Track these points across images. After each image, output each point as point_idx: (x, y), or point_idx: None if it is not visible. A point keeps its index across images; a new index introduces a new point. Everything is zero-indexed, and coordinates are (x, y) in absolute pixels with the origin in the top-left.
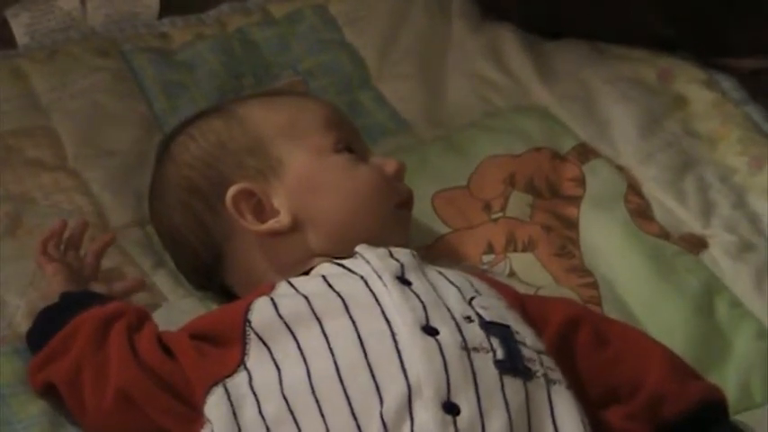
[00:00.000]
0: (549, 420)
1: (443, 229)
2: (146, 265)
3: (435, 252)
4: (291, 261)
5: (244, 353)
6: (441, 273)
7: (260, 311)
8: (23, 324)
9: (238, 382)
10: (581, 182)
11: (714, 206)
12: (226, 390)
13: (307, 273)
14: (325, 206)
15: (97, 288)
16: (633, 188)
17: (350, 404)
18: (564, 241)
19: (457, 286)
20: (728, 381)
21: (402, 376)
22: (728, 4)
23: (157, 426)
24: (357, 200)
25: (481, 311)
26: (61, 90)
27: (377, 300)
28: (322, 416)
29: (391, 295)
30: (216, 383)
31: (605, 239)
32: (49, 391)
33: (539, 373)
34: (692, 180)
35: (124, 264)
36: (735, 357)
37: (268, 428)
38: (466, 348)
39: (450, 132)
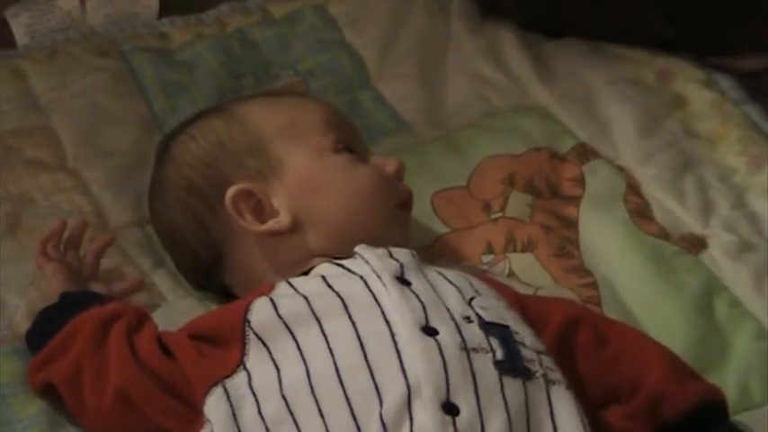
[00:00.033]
0: (549, 420)
1: (443, 229)
2: (145, 265)
3: (435, 252)
4: (291, 261)
5: (243, 353)
6: (440, 273)
7: (259, 312)
8: (23, 324)
9: (238, 382)
10: (580, 182)
11: (713, 206)
12: (225, 390)
13: (306, 273)
14: (325, 206)
15: (97, 288)
16: (633, 188)
17: (349, 404)
18: (563, 241)
19: (456, 286)
20: (728, 381)
21: (401, 377)
22: (728, 4)
23: (157, 426)
24: (357, 200)
25: (481, 312)
26: (61, 90)
27: (376, 300)
28: (321, 416)
29: (391, 295)
30: (215, 384)
31: (605, 239)
32: (48, 392)
33: (538, 374)
34: (692, 180)
35: (124, 264)
36: (734, 357)
37: (268, 429)
38: (465, 349)
39: (450, 132)
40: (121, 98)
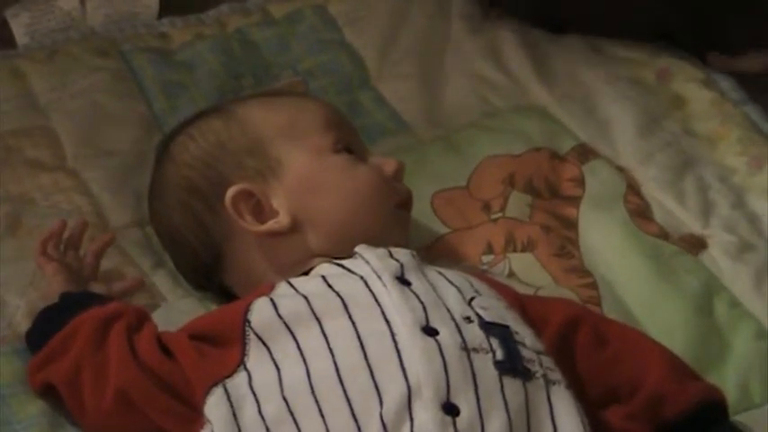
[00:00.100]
0: (549, 421)
1: (443, 230)
2: (145, 265)
3: (435, 252)
4: (291, 261)
5: (243, 353)
6: (440, 273)
7: (259, 312)
8: (23, 324)
9: (238, 382)
10: (580, 182)
11: (713, 206)
12: (225, 390)
13: (306, 273)
14: (325, 206)
15: (97, 288)
16: (632, 188)
17: (350, 405)
18: (563, 241)
19: (456, 286)
20: (728, 381)
21: (402, 377)
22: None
23: (157, 426)
24: (357, 200)
25: (481, 312)
26: (61, 90)
27: (376, 300)
28: (322, 416)
29: (391, 295)
30: (216, 384)
31: (605, 240)
32: (48, 392)
33: (538, 374)
34: (692, 180)
35: (123, 264)
36: (734, 358)
37: (268, 429)
38: (465, 349)
39: (450, 132)
40: (121, 98)
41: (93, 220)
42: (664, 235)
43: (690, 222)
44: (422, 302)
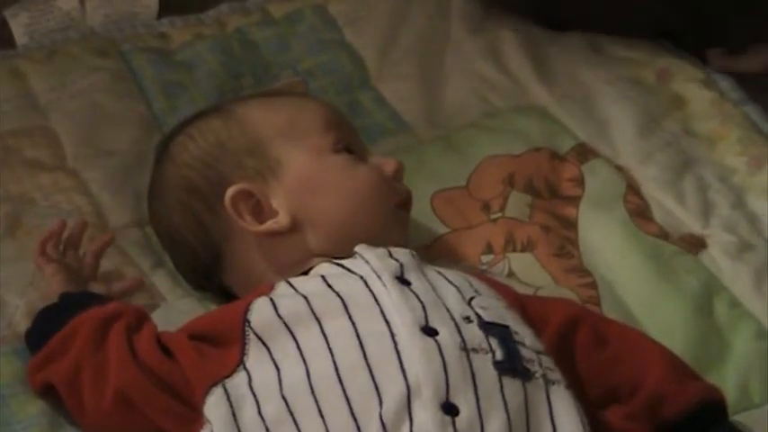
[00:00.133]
0: (548, 421)
1: (442, 230)
2: (144, 265)
3: (434, 252)
4: (290, 261)
5: (243, 353)
6: (440, 273)
7: (259, 312)
8: (22, 324)
9: (238, 382)
10: (580, 182)
11: (713, 206)
12: (225, 390)
13: (306, 273)
14: (325, 206)
15: (96, 288)
16: (632, 188)
17: (349, 405)
18: (563, 241)
19: (456, 286)
20: (727, 381)
21: (401, 377)
22: None
23: (157, 426)
24: (356, 200)
25: (480, 312)
26: (60, 90)
27: (376, 300)
28: (321, 416)
29: (390, 295)
30: (215, 384)
31: (604, 240)
32: (48, 392)
33: (537, 374)
34: (692, 180)
35: (123, 264)
36: (734, 357)
37: (267, 429)
38: (465, 349)
39: (450, 132)
40: (121, 98)
41: (93, 220)
42: (663, 235)
43: (690, 222)
44: (421, 302)
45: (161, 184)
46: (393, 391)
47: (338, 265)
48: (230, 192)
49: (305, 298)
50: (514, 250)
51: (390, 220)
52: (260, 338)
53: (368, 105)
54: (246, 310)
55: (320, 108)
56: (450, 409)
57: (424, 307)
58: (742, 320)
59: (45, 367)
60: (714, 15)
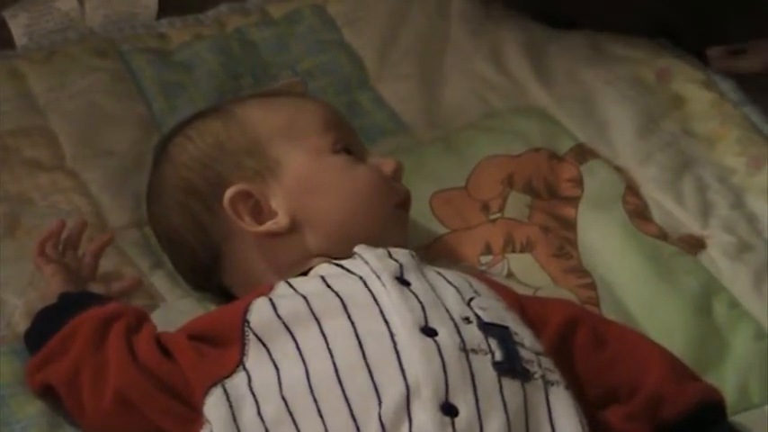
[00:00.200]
0: (547, 421)
1: (441, 230)
2: (144, 265)
3: (433, 252)
4: (290, 262)
5: (242, 353)
6: (439, 273)
7: (259, 312)
8: (21, 324)
9: (237, 382)
10: (579, 182)
11: (712, 207)
12: (225, 390)
13: (305, 273)
14: (324, 207)
15: (95, 288)
16: (631, 189)
17: (348, 405)
18: (562, 242)
19: (456, 287)
20: (727, 381)
21: (400, 377)
22: None
23: (157, 426)
24: (356, 200)
25: (480, 312)
26: (59, 90)
27: (375, 300)
28: (321, 416)
29: (390, 296)
30: (215, 384)
31: (603, 240)
32: (47, 392)
33: (537, 375)
34: (691, 180)
35: (122, 264)
36: (733, 358)
37: (267, 429)
38: (464, 350)
39: (449, 133)
40: (120, 99)
41: (92, 220)
42: (663, 235)
43: (689, 223)
44: (421, 303)
45: (160, 185)
46: (392, 391)
47: (337, 265)
48: (229, 192)
49: (304, 298)
50: (513, 251)
51: (390, 221)
52: (259, 339)
53: (367, 106)
54: (246, 310)
55: (319, 108)
56: (449, 410)
57: (423, 307)
58: (741, 321)
59: (44, 368)
60: (714, 14)
